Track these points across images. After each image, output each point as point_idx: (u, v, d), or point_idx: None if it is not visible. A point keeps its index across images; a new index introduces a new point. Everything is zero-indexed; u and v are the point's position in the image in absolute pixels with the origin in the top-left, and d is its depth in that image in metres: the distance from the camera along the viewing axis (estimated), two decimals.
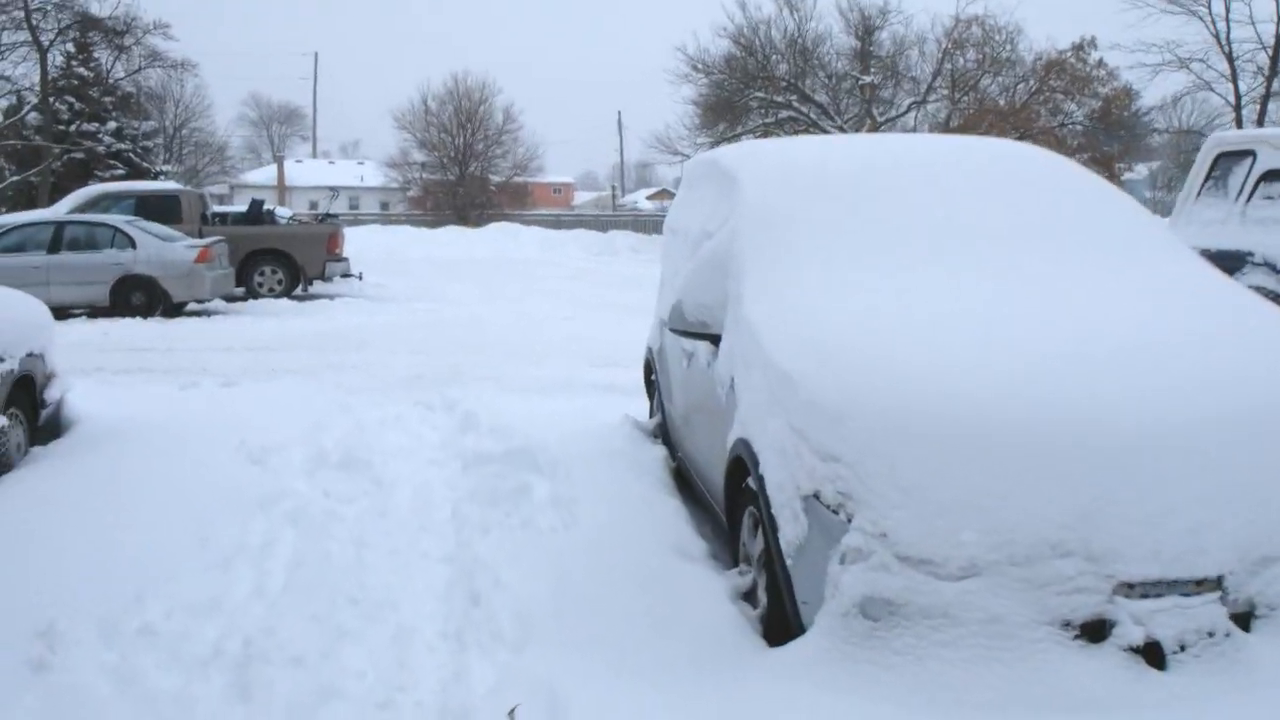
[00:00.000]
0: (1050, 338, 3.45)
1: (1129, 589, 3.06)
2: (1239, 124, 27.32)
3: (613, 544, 4.41)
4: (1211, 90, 28.51)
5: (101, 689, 3.30)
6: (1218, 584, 3.11)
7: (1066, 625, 3.04)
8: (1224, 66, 28.11)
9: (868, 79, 34.58)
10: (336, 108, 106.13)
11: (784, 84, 35.23)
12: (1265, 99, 27.27)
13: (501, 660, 3.46)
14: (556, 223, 40.67)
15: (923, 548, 3.08)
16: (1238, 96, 27.92)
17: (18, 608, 3.79)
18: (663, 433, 6.22)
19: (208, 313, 15.54)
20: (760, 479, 3.59)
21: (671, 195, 62.86)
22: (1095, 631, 3.04)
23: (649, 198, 63.38)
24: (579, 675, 3.27)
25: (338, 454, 6.02)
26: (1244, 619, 3.14)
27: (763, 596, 3.76)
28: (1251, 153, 6.91)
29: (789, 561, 3.40)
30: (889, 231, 4.27)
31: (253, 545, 4.53)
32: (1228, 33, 27.65)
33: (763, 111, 36.49)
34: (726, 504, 4.19)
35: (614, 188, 66.61)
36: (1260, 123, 26.65)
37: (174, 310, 15.13)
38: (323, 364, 10.51)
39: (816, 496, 3.31)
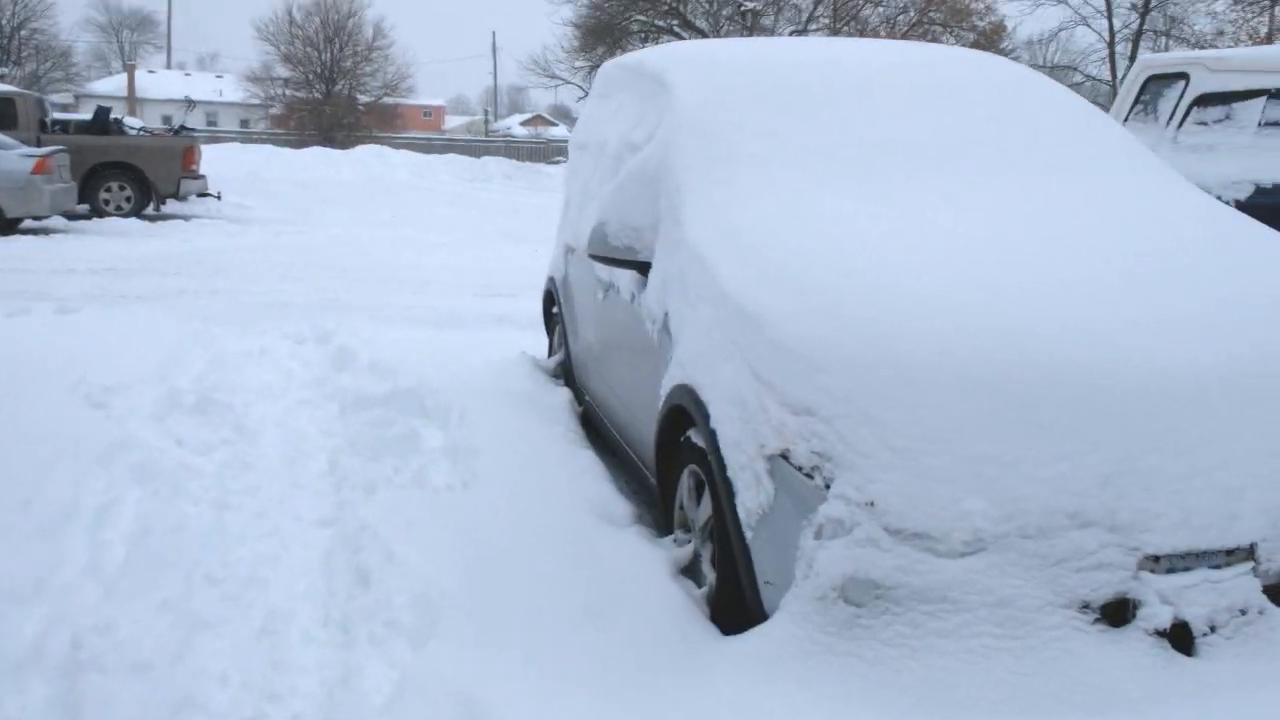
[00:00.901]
0: (1054, 267, 2.93)
1: (1154, 563, 2.60)
2: (1111, 60, 27.62)
3: (524, 506, 3.79)
4: (1088, 25, 28.70)
5: None
6: (1250, 553, 2.67)
7: (1085, 608, 2.55)
8: (1100, 2, 28.32)
9: (750, 5, 33.95)
10: (193, 15, 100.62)
11: (665, 8, 34.38)
12: (1138, 35, 27.58)
13: (400, 658, 2.83)
14: (428, 147, 39.13)
15: (919, 519, 2.55)
16: (1112, 32, 28.20)
17: None
18: (566, 373, 5.60)
19: (46, 231, 14.14)
20: (711, 434, 3.01)
21: (547, 121, 61.57)
22: (1118, 614, 2.57)
23: (523, 124, 61.80)
24: (498, 678, 2.67)
25: (193, 395, 5.23)
26: (1276, 592, 2.72)
27: (709, 572, 3.21)
28: (1184, 75, 6.56)
29: (748, 534, 2.85)
30: (848, 144, 3.70)
31: (88, 508, 3.76)
32: None
33: (643, 36, 35.60)
34: (658, 461, 3.61)
35: (487, 112, 64.80)
36: (1132, 60, 26.98)
37: (6, 227, 13.72)
38: (176, 290, 9.53)
39: (785, 457, 2.75)
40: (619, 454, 4.50)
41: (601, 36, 35.10)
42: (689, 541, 3.41)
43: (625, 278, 4.13)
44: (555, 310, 5.84)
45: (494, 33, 76.03)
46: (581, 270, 5.08)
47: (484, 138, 50.50)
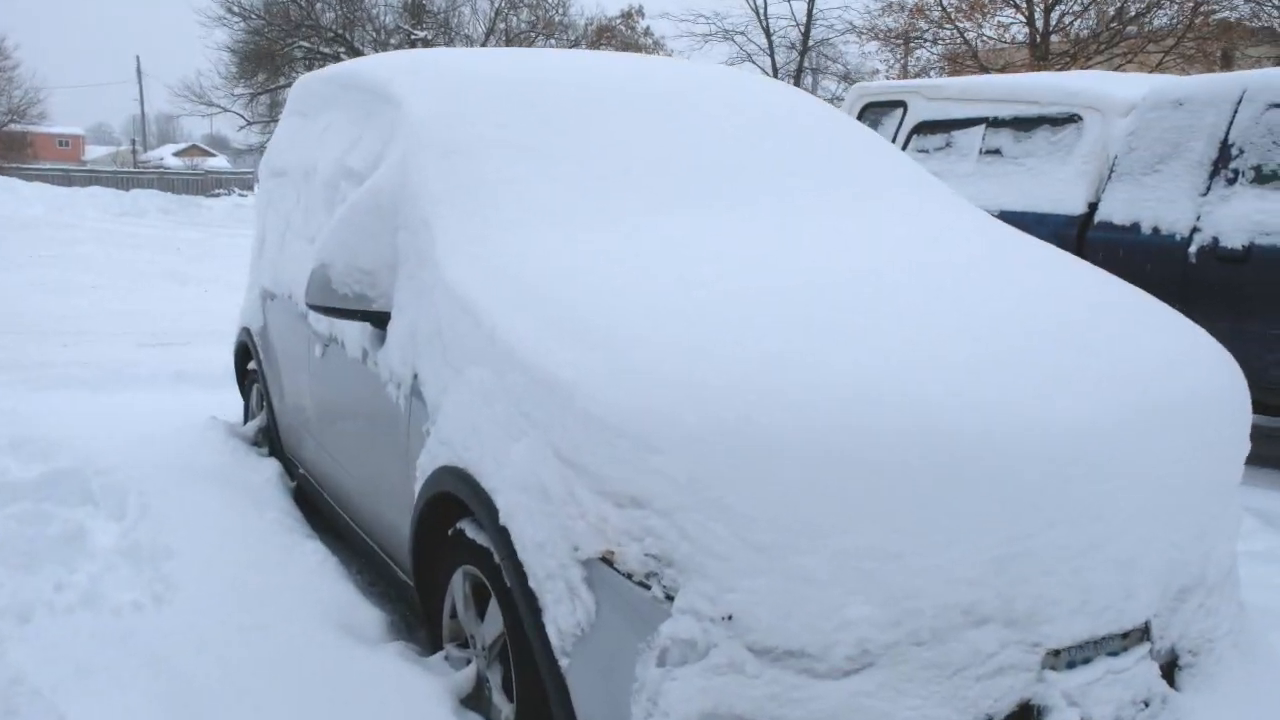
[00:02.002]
0: (901, 311, 2.50)
1: (1055, 658, 2.20)
2: None
3: (241, 626, 2.97)
4: (753, 62, 29.98)
5: None
6: (1145, 633, 2.34)
7: None
8: (763, 40, 29.66)
9: (421, 34, 33.16)
10: None
11: (331, 34, 32.98)
12: (799, 72, 29.10)
13: None
14: (67, 178, 35.62)
15: (793, 633, 2.02)
16: (775, 69, 29.59)
17: None
18: (271, 440, 4.73)
19: None
20: (501, 533, 2.37)
21: (204, 151, 57.79)
22: None
23: (177, 154, 57.67)
24: None
25: None
26: (1169, 671, 2.41)
27: (502, 704, 2.56)
28: (902, 104, 6.54)
29: (563, 661, 2.23)
30: (624, 165, 3.17)
31: None
32: (765, 7, 29.23)
33: (307, 63, 33.98)
34: (417, 559, 2.91)
35: (134, 142, 60.06)
36: None
37: None
38: None
39: (609, 561, 2.16)
40: (350, 540, 3.74)
41: (262, 63, 33.19)
42: (468, 661, 2.74)
43: (353, 331, 3.40)
44: (252, 366, 4.95)
45: (138, 57, 70.57)
46: (288, 319, 4.27)
47: (133, 169, 46.59)
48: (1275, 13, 22.44)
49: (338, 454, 3.69)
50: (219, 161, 52.68)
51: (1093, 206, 5.55)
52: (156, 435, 4.86)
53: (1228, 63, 22.87)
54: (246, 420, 5.14)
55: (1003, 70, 22.26)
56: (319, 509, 4.13)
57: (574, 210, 2.94)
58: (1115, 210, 5.39)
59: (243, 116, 34.82)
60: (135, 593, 3.28)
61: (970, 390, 2.21)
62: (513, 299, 2.57)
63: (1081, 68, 22.91)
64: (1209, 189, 5.02)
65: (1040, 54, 23.37)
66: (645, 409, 2.15)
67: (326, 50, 32.96)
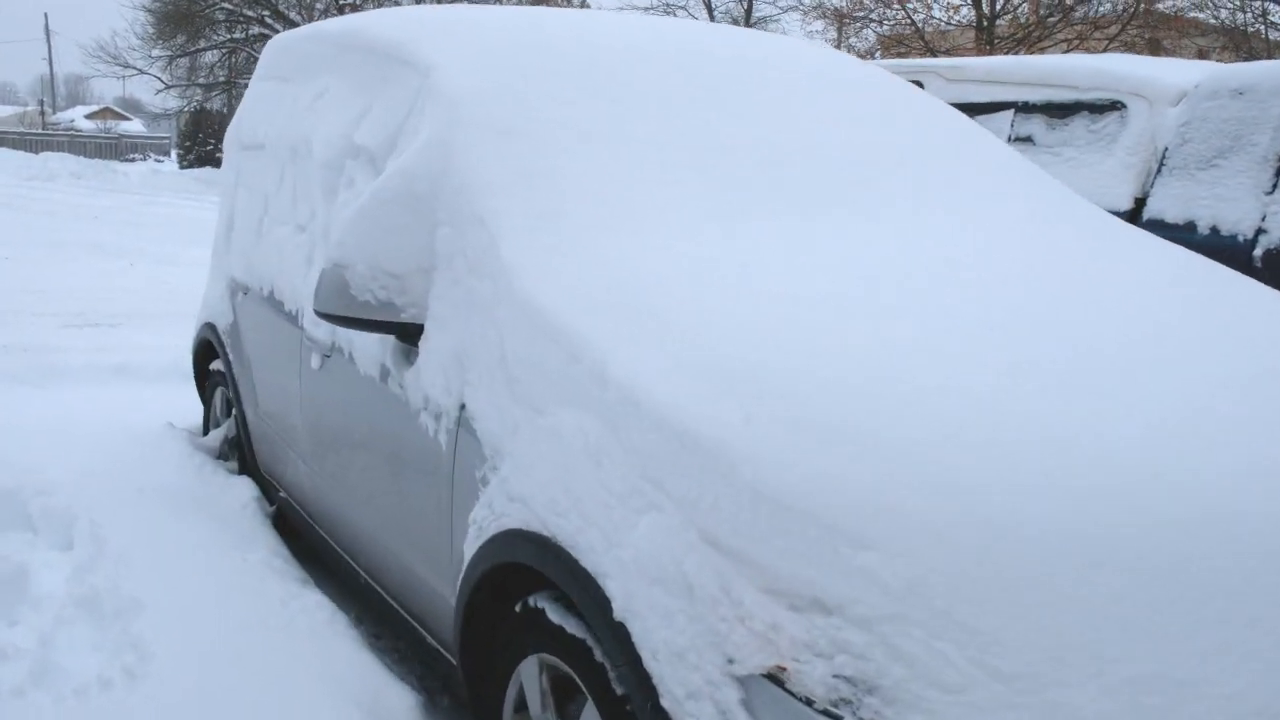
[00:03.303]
0: (1132, 359, 1.98)
1: None
2: None
3: (246, 715, 2.39)
4: None
5: None
6: None
7: None
8: (705, 16, 29.07)
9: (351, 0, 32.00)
10: None
11: None
12: None
13: None
14: None
15: None
16: None
17: None
18: (241, 455, 4.10)
19: None
20: (618, 631, 1.82)
21: (118, 114, 55.45)
22: None
23: (89, 116, 55.26)
24: None
25: None
26: None
27: None
28: (919, 85, 6.06)
29: None
30: (708, 153, 2.62)
31: None
32: None
33: (229, 25, 32.65)
34: (465, 634, 2.35)
35: (42, 103, 57.50)
36: None
37: None
38: None
39: (778, 681, 1.63)
40: (350, 584, 3.16)
41: (181, 24, 31.73)
42: None
43: (369, 342, 2.82)
44: (216, 367, 4.31)
45: (46, 14, 67.39)
46: (268, 318, 3.65)
47: (42, 131, 44.52)
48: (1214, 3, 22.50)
49: (340, 485, 3.11)
50: (133, 125, 50.60)
51: (1138, 202, 5.15)
52: (103, 444, 4.20)
53: (1155, 52, 22.90)
54: (207, 428, 4.49)
55: (948, 54, 22.03)
56: (304, 539, 3.53)
57: (668, 210, 2.40)
58: (1166, 207, 4.99)
59: (160, 79, 33.39)
60: (100, 662, 2.67)
61: (1253, 464, 1.72)
62: (625, 326, 2.01)
63: (1029, 53, 22.77)
64: (1276, 186, 4.64)
65: (987, 38, 23.17)
66: (847, 488, 1.62)
67: (250, 13, 31.67)
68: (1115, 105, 5.41)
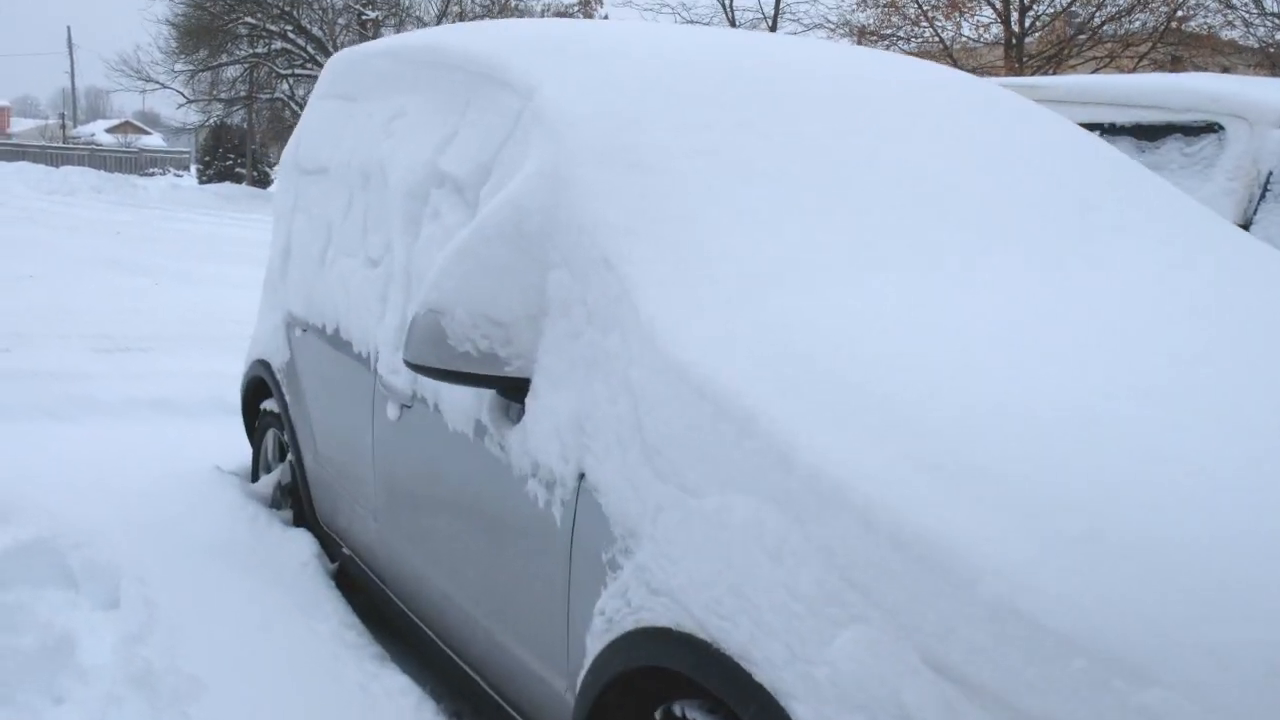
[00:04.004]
0: None
1: None
2: None
3: None
4: None
5: None
6: None
7: None
8: None
9: (371, 14, 31.91)
10: None
11: (276, 11, 31.58)
12: None
13: None
14: None
15: None
16: None
17: None
18: (297, 503, 3.81)
19: None
20: None
21: (139, 128, 55.53)
22: None
23: (110, 130, 55.31)
24: None
25: None
26: None
27: None
28: None
29: None
30: (863, 189, 2.32)
31: None
32: (731, 1, 28.38)
33: (251, 40, 32.59)
34: None
35: (63, 116, 57.62)
36: None
37: None
38: None
39: None
40: (432, 658, 2.85)
41: (203, 38, 31.69)
42: None
43: (462, 396, 2.52)
44: (269, 406, 4.02)
45: (69, 28, 67.75)
46: (333, 359, 3.36)
47: (62, 145, 44.52)
48: (1246, 22, 22.15)
49: (421, 550, 2.80)
50: (153, 139, 50.59)
51: (1241, 229, 4.84)
52: (146, 489, 3.92)
53: (1177, 69, 22.56)
54: (257, 473, 4.19)
55: (974, 71, 21.74)
56: (370, 599, 3.23)
57: (827, 256, 2.09)
58: (1273, 235, 4.67)
59: (183, 94, 33.34)
60: None
61: None
62: (808, 399, 1.70)
63: (1059, 72, 22.48)
64: None
65: (1016, 55, 22.88)
66: (1122, 610, 1.31)
67: (273, 28, 31.62)
68: (1211, 127, 5.09)
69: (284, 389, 3.77)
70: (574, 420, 2.12)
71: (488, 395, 2.42)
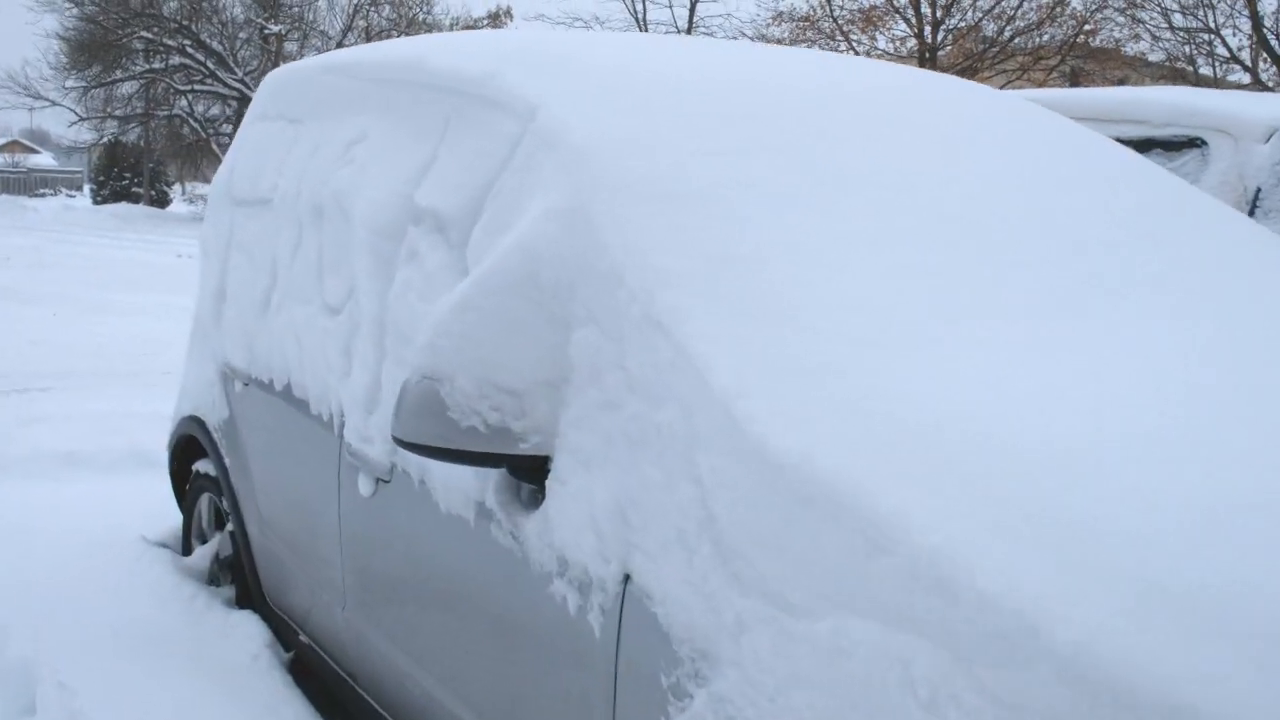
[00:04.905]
0: None
1: None
2: None
3: None
4: None
5: None
6: None
7: None
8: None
9: (274, 29, 31.03)
10: None
11: (174, 25, 30.53)
12: None
13: None
14: None
15: None
16: None
17: None
18: (239, 579, 3.35)
19: None
20: None
21: (28, 148, 53.32)
22: None
23: None
24: None
25: None
26: None
27: None
28: None
29: None
30: (930, 219, 2.00)
31: None
32: (645, 13, 28.15)
33: (148, 55, 31.47)
34: None
35: None
36: None
37: None
38: None
39: None
40: None
41: (96, 53, 30.50)
42: None
43: (455, 471, 2.13)
44: (202, 468, 3.55)
45: None
46: (279, 418, 2.93)
47: None
48: (1154, 35, 22.60)
49: (405, 646, 2.39)
50: (43, 159, 48.61)
51: None
52: (62, 566, 3.43)
53: (1075, 83, 22.95)
54: (189, 542, 3.71)
55: None
56: (339, 699, 2.80)
57: (914, 305, 1.76)
58: None
59: (75, 111, 32.02)
60: None
61: None
62: (964, 507, 1.34)
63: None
64: None
65: (930, 69, 23.01)
66: None
67: (170, 42, 30.55)
68: (1194, 142, 4.90)
69: (223, 450, 3.31)
70: (615, 510, 1.74)
71: (494, 474, 2.04)
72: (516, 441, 1.88)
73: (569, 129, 2.05)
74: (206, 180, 45.44)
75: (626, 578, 1.72)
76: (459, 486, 2.13)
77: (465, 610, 2.15)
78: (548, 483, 1.89)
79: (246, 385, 3.17)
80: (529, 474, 1.95)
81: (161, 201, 38.45)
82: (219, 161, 32.20)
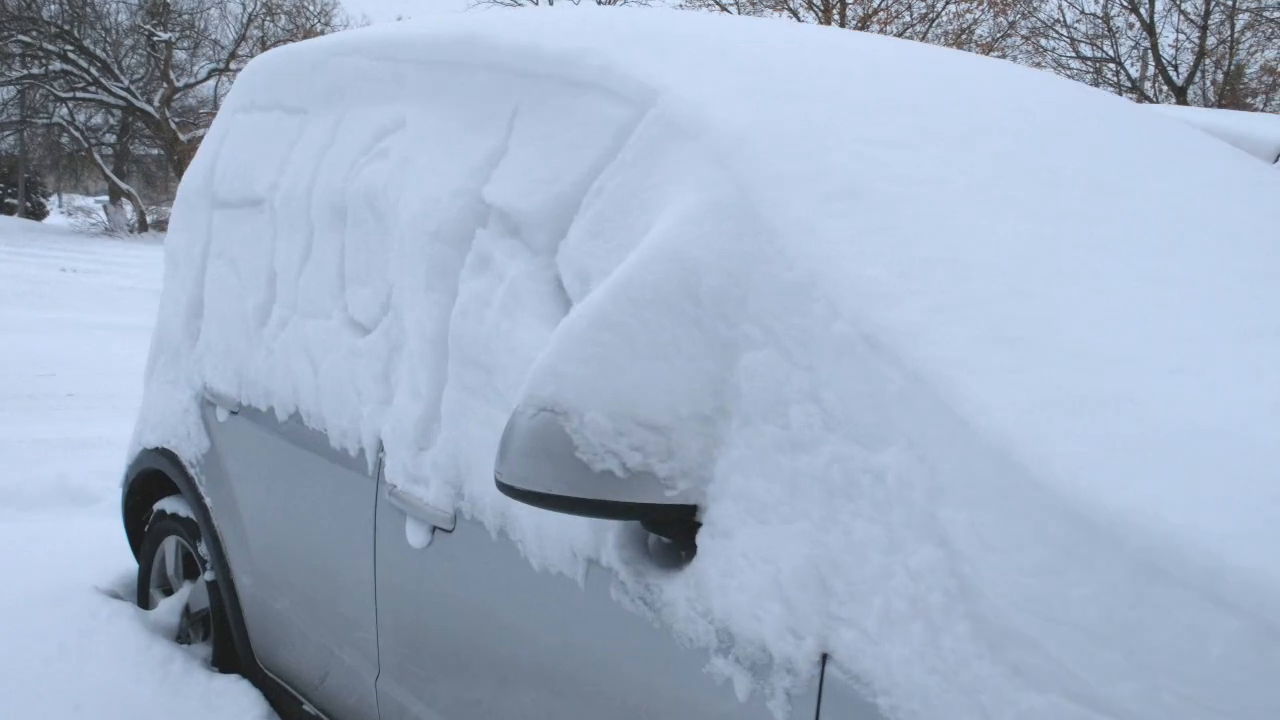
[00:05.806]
0: None
1: None
2: None
3: None
4: None
5: None
6: None
7: None
8: None
9: (164, 36, 29.86)
10: None
11: (55, 30, 29.15)
12: None
13: None
14: None
15: None
16: None
17: None
18: (220, 637, 2.89)
19: None
20: None
21: None
22: None
23: None
24: None
25: None
26: None
27: None
28: None
29: None
30: (1137, 223, 1.72)
31: None
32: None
33: (25, 60, 29.98)
34: None
35: None
36: None
37: None
38: None
39: None
40: None
41: None
42: None
43: (559, 524, 1.77)
44: (168, 509, 3.08)
45: None
46: (283, 453, 2.52)
47: None
48: (1059, 64, 23.15)
49: None
50: None
51: None
52: (6, 626, 2.93)
53: None
54: (146, 592, 3.22)
55: None
56: None
57: (1162, 317, 1.47)
58: None
59: None
60: None
61: None
62: None
63: None
64: None
65: None
66: None
67: (50, 47, 29.16)
68: None
69: (201, 488, 2.86)
70: (811, 573, 1.41)
71: (613, 525, 1.69)
72: (663, 488, 1.53)
73: (709, 115, 1.71)
74: (88, 192, 43.52)
75: (824, 657, 1.39)
76: (561, 538, 1.77)
77: (568, 690, 1.79)
78: (699, 538, 1.55)
79: (234, 413, 2.74)
80: (666, 526, 1.61)
81: (38, 214, 36.68)
82: (101, 173, 30.57)
